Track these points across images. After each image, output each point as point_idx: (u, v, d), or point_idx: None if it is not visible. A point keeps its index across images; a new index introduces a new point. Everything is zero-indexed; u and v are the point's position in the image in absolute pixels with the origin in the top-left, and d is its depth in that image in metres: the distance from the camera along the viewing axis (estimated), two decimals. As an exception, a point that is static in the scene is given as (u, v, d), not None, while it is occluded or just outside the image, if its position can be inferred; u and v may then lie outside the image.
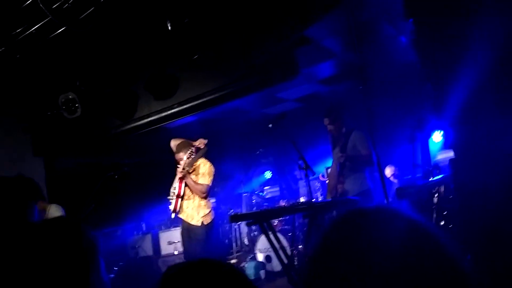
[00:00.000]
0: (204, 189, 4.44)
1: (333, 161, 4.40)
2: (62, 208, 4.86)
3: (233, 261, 6.83)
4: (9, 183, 1.41)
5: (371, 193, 3.99)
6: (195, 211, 4.48)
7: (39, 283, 0.97)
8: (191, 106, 4.73)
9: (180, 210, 4.54)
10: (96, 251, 1.12)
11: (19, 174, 1.44)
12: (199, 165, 4.58)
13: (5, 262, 1.00)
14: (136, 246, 6.67)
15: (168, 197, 4.70)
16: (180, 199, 4.49)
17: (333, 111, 4.22)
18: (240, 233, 7.92)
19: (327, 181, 4.77)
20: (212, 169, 4.58)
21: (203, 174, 4.49)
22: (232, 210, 7.90)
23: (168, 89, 4.79)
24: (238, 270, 0.90)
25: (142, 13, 4.00)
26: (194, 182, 4.45)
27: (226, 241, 8.10)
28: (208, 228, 4.54)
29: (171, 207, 4.58)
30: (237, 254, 7.32)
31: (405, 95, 5.24)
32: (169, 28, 4.03)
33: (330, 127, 4.22)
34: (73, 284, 1.01)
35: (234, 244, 7.78)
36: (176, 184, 4.56)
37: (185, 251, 4.65)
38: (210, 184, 4.52)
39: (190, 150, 4.46)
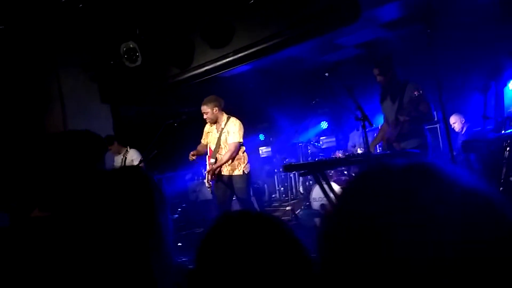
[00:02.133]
0: (234, 147, 4.47)
1: (385, 114, 4.15)
2: (139, 153, 5.20)
3: (288, 208, 6.99)
4: (79, 139, 1.48)
5: (428, 146, 3.81)
6: (235, 165, 4.56)
7: (110, 227, 1.04)
8: (246, 54, 4.67)
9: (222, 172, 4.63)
10: (161, 196, 1.18)
11: (86, 130, 1.51)
12: (230, 123, 4.57)
13: (78, 209, 1.08)
14: (197, 190, 7.04)
15: (205, 184, 4.80)
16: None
17: (384, 61, 3.93)
18: (295, 182, 8.04)
19: (376, 135, 4.49)
20: (242, 126, 4.56)
21: (234, 132, 4.48)
22: (287, 160, 7.98)
23: (223, 37, 4.74)
24: (279, 221, 0.92)
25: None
26: (223, 159, 4.47)
27: (282, 188, 8.28)
28: (249, 177, 4.64)
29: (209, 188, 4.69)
30: (292, 201, 7.48)
31: (479, 39, 4.73)
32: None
33: (379, 78, 3.95)
34: (143, 226, 1.08)
35: (289, 192, 7.94)
36: (211, 160, 4.61)
37: (224, 203, 4.68)
38: (241, 141, 4.54)
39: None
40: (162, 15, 4.87)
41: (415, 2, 4.53)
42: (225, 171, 4.56)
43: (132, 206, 1.08)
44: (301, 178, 7.62)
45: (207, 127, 4.81)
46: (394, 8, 4.83)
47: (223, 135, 4.58)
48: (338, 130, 7.89)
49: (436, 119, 5.45)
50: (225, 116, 4.62)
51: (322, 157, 6.94)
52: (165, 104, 6.50)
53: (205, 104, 4.54)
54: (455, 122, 5.56)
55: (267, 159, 8.74)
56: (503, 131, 3.70)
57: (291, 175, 7.86)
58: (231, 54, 4.79)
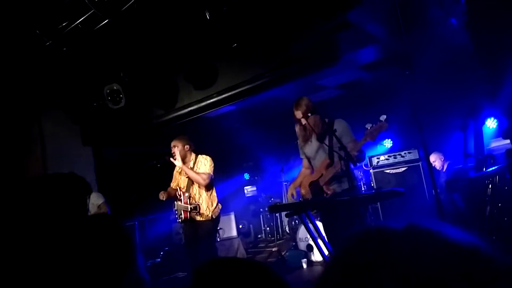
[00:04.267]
0: (205, 176, 4.41)
1: (307, 157, 3.83)
2: (102, 196, 5.08)
3: (274, 249, 6.84)
4: (66, 181, 1.46)
5: (359, 188, 3.72)
6: (203, 208, 4.47)
7: (73, 278, 1.00)
8: (230, 95, 4.73)
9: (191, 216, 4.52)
10: (131, 248, 1.14)
11: (71, 172, 1.48)
12: (198, 161, 4.55)
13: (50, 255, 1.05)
14: (181, 232, 6.85)
15: (176, 211, 4.69)
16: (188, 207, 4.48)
17: (306, 103, 3.59)
18: (281, 222, 7.92)
19: (293, 183, 4.00)
20: (212, 162, 4.54)
21: (204, 165, 4.46)
22: (272, 199, 7.91)
23: (207, 79, 4.81)
24: (269, 268, 0.88)
25: (181, 3, 4.01)
26: (195, 171, 4.40)
27: (268, 228, 8.15)
28: (216, 222, 4.53)
29: (180, 220, 4.57)
30: (279, 242, 7.33)
31: (455, 80, 4.92)
32: (208, 17, 4.02)
33: (303, 121, 3.60)
34: (107, 282, 1.04)
35: (275, 232, 7.80)
36: (179, 203, 4.52)
37: (190, 247, 4.51)
38: (211, 174, 4.48)
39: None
40: (146, 58, 4.94)
41: (393, 45, 4.72)
42: (196, 216, 4.46)
43: (107, 257, 1.05)
44: (287, 218, 7.52)
45: (176, 168, 4.75)
46: (373, 51, 5.01)
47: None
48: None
49: (418, 157, 5.54)
50: (193, 155, 4.59)
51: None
52: (148, 145, 6.45)
53: (177, 139, 4.52)
54: (435, 160, 5.63)
55: (252, 198, 8.64)
56: (484, 169, 3.76)
57: (277, 214, 7.76)
58: (215, 95, 4.85)
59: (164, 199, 4.67)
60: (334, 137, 3.46)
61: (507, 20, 1.57)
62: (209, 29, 4.22)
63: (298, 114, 3.62)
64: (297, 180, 3.93)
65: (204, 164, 4.46)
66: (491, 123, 4.95)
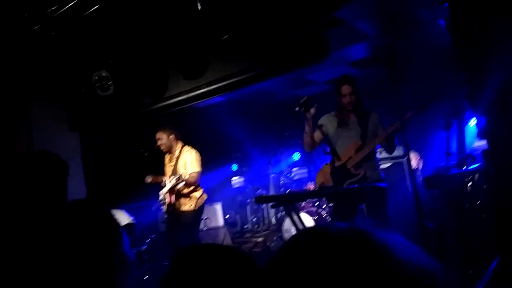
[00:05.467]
0: (197, 176, 4.44)
1: (337, 142, 3.62)
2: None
3: (259, 240, 6.92)
4: (36, 160, 1.41)
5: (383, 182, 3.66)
6: (186, 200, 4.49)
7: (68, 260, 1.00)
8: (220, 86, 4.73)
9: (175, 204, 4.54)
10: (117, 233, 1.13)
11: (42, 150, 1.42)
12: (185, 153, 4.54)
13: (33, 241, 1.04)
14: (166, 215, 6.88)
15: (160, 201, 4.69)
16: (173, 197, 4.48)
17: (356, 81, 3.56)
18: (268, 213, 8.00)
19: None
20: (198, 155, 4.55)
21: (191, 162, 4.46)
22: (259, 190, 7.97)
23: (197, 69, 4.80)
24: (242, 253, 0.91)
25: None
26: (186, 180, 4.38)
27: (254, 219, 8.22)
28: (199, 213, 4.56)
29: (165, 208, 4.58)
30: (264, 232, 7.41)
31: (441, 80, 5.00)
32: (199, 7, 4.01)
33: (351, 97, 3.49)
34: (90, 266, 1.04)
35: (261, 223, 7.88)
36: (165, 189, 4.51)
37: (172, 236, 4.58)
38: (200, 169, 4.51)
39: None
40: (136, 46, 4.90)
41: (382, 44, 4.78)
42: (176, 204, 4.49)
43: (94, 241, 1.05)
44: (273, 209, 7.60)
45: (166, 160, 4.77)
46: (362, 48, 5.07)
47: (179, 164, 4.51)
48: (310, 162, 7.99)
49: (402, 153, 5.64)
50: (179, 144, 4.60)
51: (294, 189, 6.99)
52: (136, 134, 6.43)
53: (161, 131, 4.53)
54: (411, 159, 5.71)
55: (239, 189, 8.70)
56: (465, 167, 3.86)
57: (263, 206, 7.84)
58: (204, 86, 4.84)
59: (149, 181, 4.69)
60: (368, 125, 3.51)
61: (487, 25, 1.62)
62: (200, 20, 4.21)
63: (348, 89, 3.49)
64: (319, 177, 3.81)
65: (191, 162, 4.46)
66: (474, 123, 5.05)
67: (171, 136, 4.52)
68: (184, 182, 4.27)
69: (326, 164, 3.76)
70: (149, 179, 4.73)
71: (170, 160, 4.66)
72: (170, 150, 4.58)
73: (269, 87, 6.38)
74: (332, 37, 3.95)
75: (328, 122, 3.70)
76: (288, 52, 4.06)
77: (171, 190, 4.44)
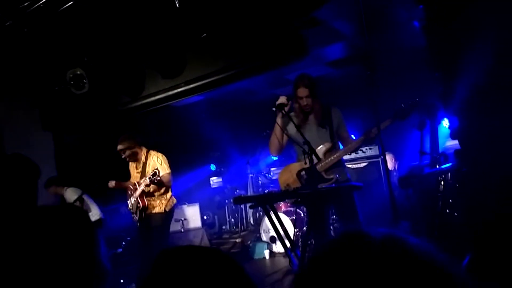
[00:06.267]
0: (169, 177, 4.40)
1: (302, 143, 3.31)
2: (79, 190, 4.94)
3: (238, 240, 6.92)
4: (8, 163, 1.38)
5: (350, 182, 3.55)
6: (156, 202, 4.47)
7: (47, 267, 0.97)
8: (198, 85, 4.70)
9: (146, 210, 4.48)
10: (95, 241, 1.11)
11: (14, 153, 1.40)
12: (153, 157, 4.49)
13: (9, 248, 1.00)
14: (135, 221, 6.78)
15: (130, 210, 4.62)
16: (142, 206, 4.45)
17: (313, 82, 3.38)
18: (246, 213, 8.01)
19: (281, 172, 3.74)
20: (166, 158, 4.52)
21: (161, 164, 4.42)
22: (238, 190, 7.97)
23: (175, 68, 4.76)
24: (224, 254, 0.91)
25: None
26: (161, 177, 4.27)
27: (233, 220, 8.21)
28: (169, 216, 4.54)
29: (135, 217, 4.53)
30: (243, 233, 7.41)
31: (415, 81, 5.13)
32: (177, 5, 3.97)
33: (307, 100, 3.33)
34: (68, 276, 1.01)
35: (239, 224, 7.88)
36: (138, 192, 4.41)
37: (143, 239, 4.50)
38: (170, 171, 4.48)
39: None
40: (112, 43, 4.81)
41: (359, 44, 4.86)
42: (148, 207, 4.44)
43: (72, 246, 1.03)
44: (251, 210, 7.61)
45: (131, 167, 4.70)
46: (339, 48, 5.14)
47: (147, 168, 4.44)
48: (288, 162, 8.04)
49: (378, 153, 5.75)
50: (144, 150, 4.54)
51: (272, 188, 7.02)
52: (113, 133, 6.32)
53: (121, 143, 4.42)
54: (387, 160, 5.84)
55: (218, 189, 8.67)
56: (437, 166, 3.97)
57: (241, 206, 7.84)
58: (182, 85, 4.80)
59: (112, 186, 4.62)
60: (332, 124, 3.38)
61: (459, 28, 1.67)
62: (179, 18, 4.17)
63: (304, 91, 3.30)
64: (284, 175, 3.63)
65: (160, 164, 4.40)
66: (447, 123, 5.21)
67: (131, 145, 4.44)
68: (158, 178, 4.19)
69: (292, 163, 3.64)
70: (112, 184, 4.64)
71: (137, 167, 4.59)
72: (135, 158, 4.51)
73: (249, 85, 6.39)
74: (310, 36, 3.98)
75: (287, 123, 3.51)
76: (266, 51, 4.08)
77: (143, 194, 4.38)
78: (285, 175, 3.64)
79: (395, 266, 0.50)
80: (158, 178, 4.17)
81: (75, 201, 4.71)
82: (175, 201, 4.61)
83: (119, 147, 4.41)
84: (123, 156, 4.46)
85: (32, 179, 1.44)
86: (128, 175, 4.77)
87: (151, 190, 4.37)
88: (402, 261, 0.51)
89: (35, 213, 1.10)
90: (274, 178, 7.52)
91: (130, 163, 4.63)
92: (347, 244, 0.56)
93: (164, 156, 4.51)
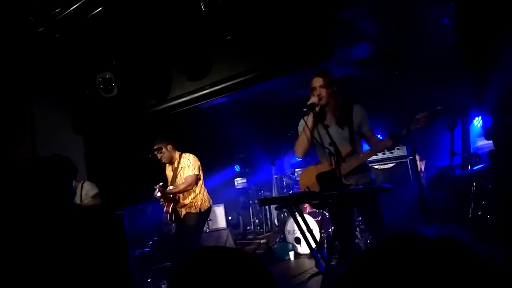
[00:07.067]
0: (191, 179, 4.43)
1: (323, 147, 3.19)
2: (95, 185, 5.07)
3: (262, 241, 6.91)
4: (48, 164, 1.42)
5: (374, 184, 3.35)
6: (192, 203, 4.52)
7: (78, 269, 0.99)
8: (223, 87, 4.74)
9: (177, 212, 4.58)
10: (126, 243, 1.13)
11: (54, 154, 1.45)
12: (183, 160, 4.56)
13: (43, 249, 1.03)
14: (170, 222, 6.88)
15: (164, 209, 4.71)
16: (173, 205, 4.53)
17: (329, 73, 3.21)
18: (270, 214, 8.00)
19: (300, 174, 3.60)
20: (196, 159, 4.55)
21: (188, 166, 4.48)
22: (262, 191, 7.97)
23: (201, 70, 4.81)
24: (249, 255, 0.91)
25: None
26: (178, 187, 4.42)
27: (257, 220, 8.22)
28: (204, 216, 4.59)
29: (172, 218, 4.62)
30: (267, 234, 7.41)
31: (445, 79, 4.98)
32: (203, 8, 4.02)
33: (321, 91, 3.13)
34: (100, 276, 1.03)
35: (264, 225, 7.88)
36: (157, 194, 4.54)
37: (177, 238, 4.62)
38: (198, 173, 4.51)
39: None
40: (139, 47, 4.91)
41: (385, 42, 4.77)
42: (183, 210, 4.52)
43: (107, 249, 1.05)
44: (276, 210, 7.59)
45: (167, 170, 4.79)
46: (365, 48, 5.05)
47: (178, 174, 4.55)
48: (313, 162, 7.97)
49: (406, 153, 5.62)
50: (177, 154, 4.62)
51: (297, 189, 6.98)
52: (140, 135, 6.45)
53: (159, 143, 4.52)
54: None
55: (242, 190, 8.69)
56: (469, 167, 3.85)
57: (266, 207, 7.83)
58: (208, 87, 4.85)
59: (157, 195, 4.68)
60: (352, 123, 3.18)
61: (495, 23, 1.61)
62: (204, 21, 4.22)
63: (318, 81, 3.14)
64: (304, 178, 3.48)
65: (188, 166, 4.48)
66: (478, 122, 5.05)
67: (169, 147, 4.54)
68: (176, 190, 4.35)
69: (311, 166, 3.52)
70: (158, 190, 4.72)
71: (171, 171, 4.69)
72: (170, 161, 4.61)
73: (273, 87, 6.38)
74: (336, 36, 3.94)
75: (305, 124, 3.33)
76: (291, 52, 4.06)
77: (167, 199, 4.48)
78: (305, 177, 3.53)
79: (452, 267, 0.49)
80: (176, 191, 4.29)
81: (94, 195, 4.78)
82: (211, 201, 4.67)
83: (158, 145, 4.52)
84: (159, 157, 4.54)
85: (70, 180, 1.48)
86: (161, 177, 4.87)
87: (180, 198, 4.49)
88: (460, 261, 0.50)
89: (75, 214, 1.14)
90: (298, 179, 7.47)
91: (166, 166, 4.72)
92: (399, 244, 0.55)
93: (195, 158, 4.57)
